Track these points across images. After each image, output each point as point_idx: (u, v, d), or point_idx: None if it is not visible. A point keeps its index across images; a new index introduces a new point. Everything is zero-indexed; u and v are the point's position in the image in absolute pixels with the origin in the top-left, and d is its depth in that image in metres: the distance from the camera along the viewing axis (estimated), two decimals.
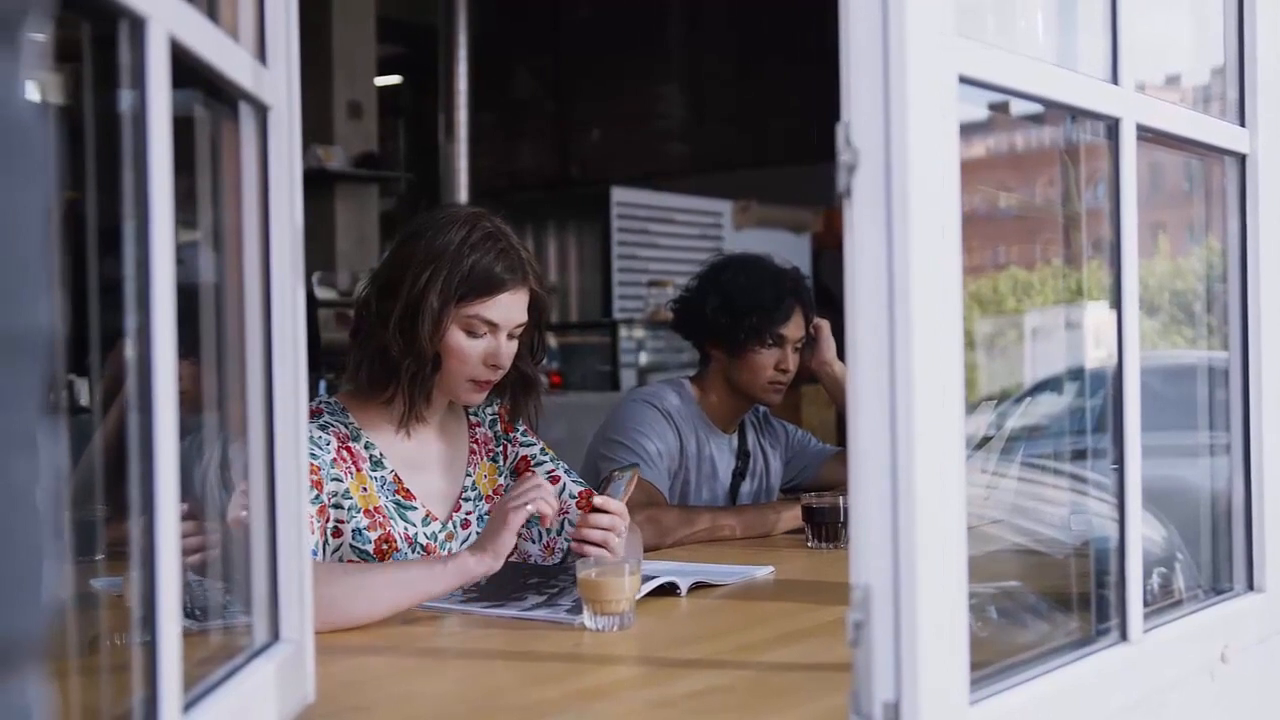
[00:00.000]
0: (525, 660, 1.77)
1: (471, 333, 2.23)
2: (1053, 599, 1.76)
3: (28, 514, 0.57)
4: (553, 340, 7.78)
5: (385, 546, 2.21)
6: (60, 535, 0.61)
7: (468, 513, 2.37)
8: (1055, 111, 1.63)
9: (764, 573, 2.38)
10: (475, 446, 2.42)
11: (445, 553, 2.27)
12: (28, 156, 0.57)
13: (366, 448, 2.26)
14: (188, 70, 1.14)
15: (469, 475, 2.39)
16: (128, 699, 1.09)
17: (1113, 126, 1.54)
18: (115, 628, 1.48)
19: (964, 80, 1.27)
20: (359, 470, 2.23)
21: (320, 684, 1.47)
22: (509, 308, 2.25)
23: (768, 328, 3.02)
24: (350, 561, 2.18)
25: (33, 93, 0.59)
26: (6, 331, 0.56)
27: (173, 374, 1.05)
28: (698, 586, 2.22)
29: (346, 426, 2.25)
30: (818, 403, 6.63)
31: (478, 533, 2.33)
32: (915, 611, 1.17)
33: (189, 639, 1.11)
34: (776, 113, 9.32)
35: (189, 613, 1.30)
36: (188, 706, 1.11)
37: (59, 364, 0.63)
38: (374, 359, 2.24)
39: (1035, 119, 1.77)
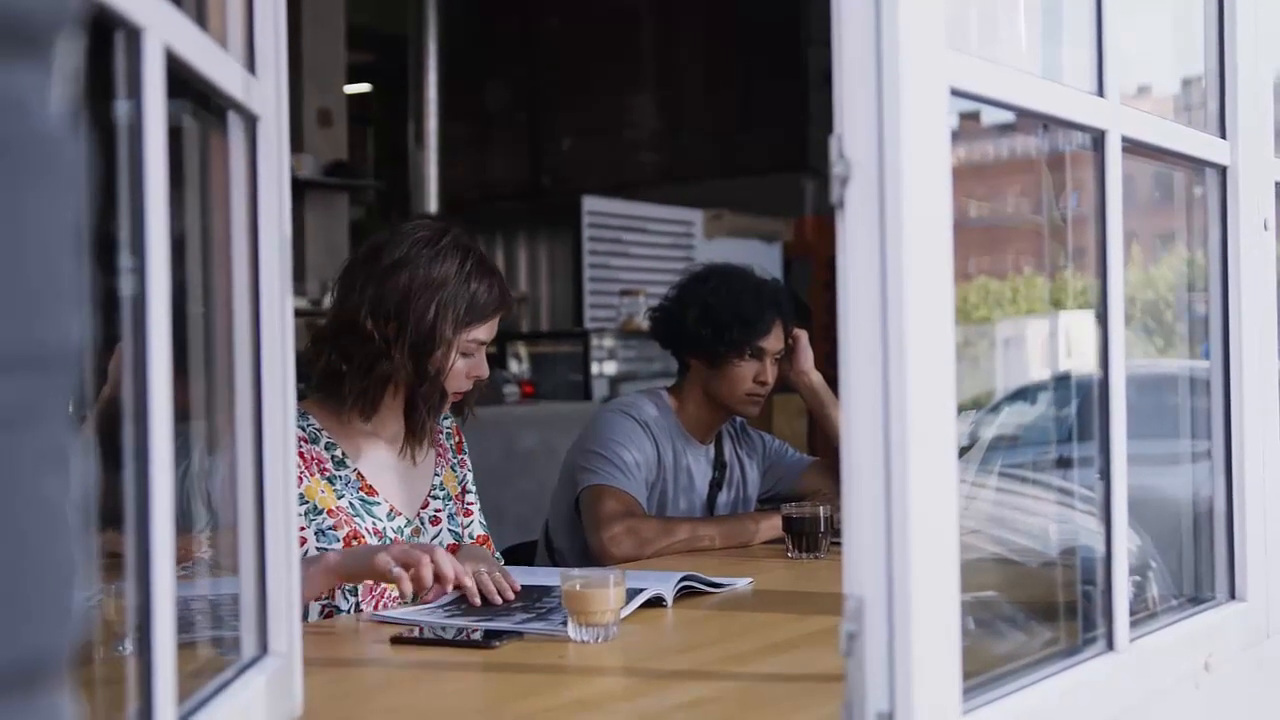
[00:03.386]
0: (511, 672, 1.77)
1: (465, 354, 2.34)
2: (1035, 609, 1.77)
3: (60, 529, 0.57)
4: (524, 350, 7.77)
5: (355, 543, 2.26)
6: (88, 549, 0.61)
7: (436, 510, 2.45)
8: (1027, 121, 1.64)
9: (744, 584, 2.39)
10: (440, 450, 2.50)
11: None
12: (60, 170, 0.56)
13: (328, 449, 2.32)
14: (179, 80, 1.13)
15: (437, 475, 2.47)
16: (118, 713, 1.08)
17: (1098, 138, 1.55)
18: (98, 640, 1.47)
19: (955, 92, 1.27)
20: (313, 474, 2.27)
21: (308, 697, 1.46)
22: (496, 326, 2.38)
23: (748, 340, 3.02)
24: None
25: (64, 106, 0.58)
26: (40, 346, 0.55)
27: (167, 384, 1.04)
28: (684, 593, 2.23)
29: (304, 430, 2.27)
30: (788, 412, 6.64)
31: (449, 529, 2.44)
32: (909, 622, 1.17)
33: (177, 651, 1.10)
34: (748, 123, 9.34)
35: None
36: None
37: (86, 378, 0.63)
38: (379, 384, 2.30)
39: (1005, 128, 1.78)
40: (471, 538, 2.44)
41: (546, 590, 2.20)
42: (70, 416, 0.59)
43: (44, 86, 0.56)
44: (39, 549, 0.56)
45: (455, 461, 2.53)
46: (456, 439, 2.56)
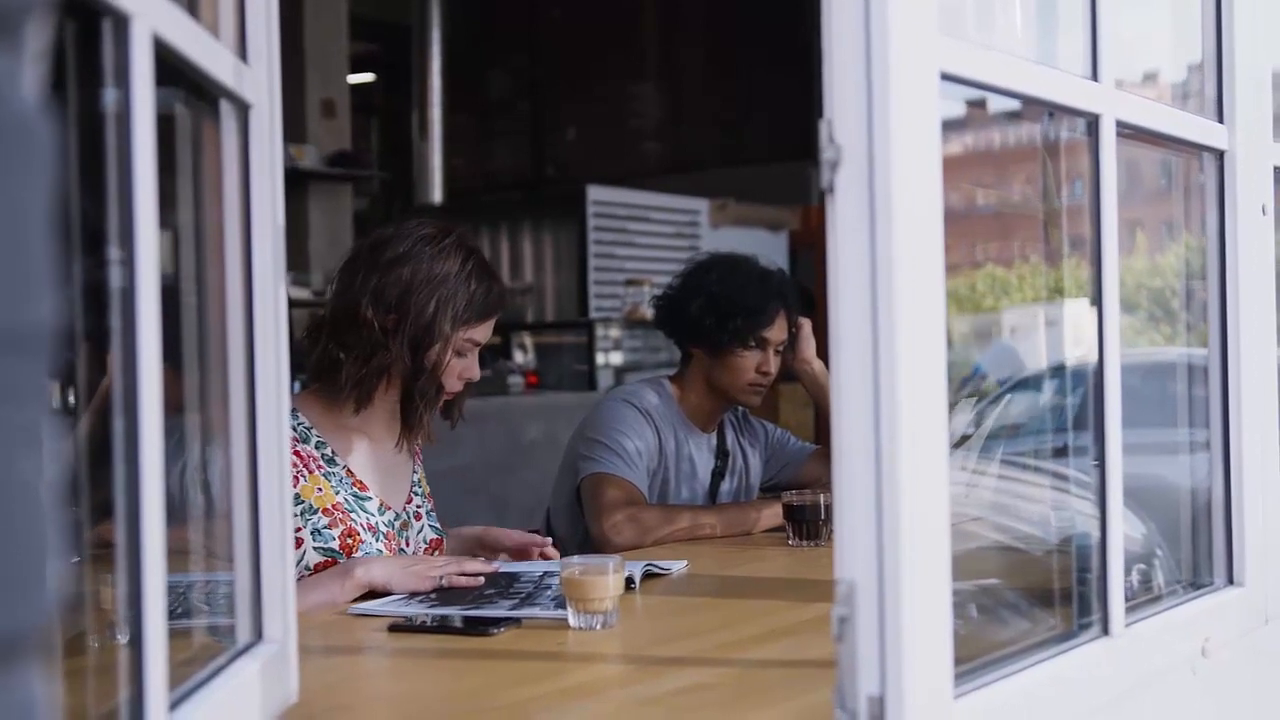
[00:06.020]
0: (509, 659, 1.77)
1: (459, 353, 2.36)
2: (1034, 595, 1.77)
3: (32, 509, 0.57)
4: (529, 340, 7.77)
5: (350, 541, 2.29)
6: (62, 529, 0.61)
7: (418, 506, 2.49)
8: (1033, 108, 1.64)
9: (679, 566, 2.42)
10: (417, 450, 2.54)
11: (403, 540, 2.41)
12: (31, 153, 0.57)
13: (318, 447, 2.34)
14: (169, 68, 1.13)
15: (415, 473, 2.51)
16: (111, 700, 1.08)
17: (1093, 123, 1.55)
18: (93, 629, 1.47)
19: (946, 77, 1.27)
20: (311, 472, 2.29)
21: (303, 684, 1.46)
22: (491, 328, 2.41)
23: (751, 330, 3.02)
24: (316, 565, 2.22)
25: (34, 89, 0.59)
26: (13, 327, 0.56)
27: (157, 375, 1.04)
28: (648, 576, 2.28)
29: (295, 429, 2.28)
30: (795, 401, 6.64)
31: (430, 525, 2.49)
32: (900, 605, 1.18)
33: (170, 639, 1.11)
34: (752, 111, 9.34)
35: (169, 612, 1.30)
36: (173, 706, 1.11)
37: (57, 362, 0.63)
38: (375, 375, 2.32)
39: (1012, 116, 1.78)
40: (425, 542, 2.46)
41: (515, 577, 2.24)
42: (45, 397, 0.60)
43: (14, 71, 0.57)
44: (10, 527, 0.56)
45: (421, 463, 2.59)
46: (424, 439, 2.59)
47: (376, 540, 2.32)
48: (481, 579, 2.19)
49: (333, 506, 2.28)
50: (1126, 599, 1.58)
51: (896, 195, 1.18)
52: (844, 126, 1.19)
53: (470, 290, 2.33)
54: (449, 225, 2.42)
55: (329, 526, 2.26)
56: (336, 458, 2.34)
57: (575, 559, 1.98)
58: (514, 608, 2.01)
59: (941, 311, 1.24)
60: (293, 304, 6.34)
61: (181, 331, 1.36)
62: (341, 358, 2.30)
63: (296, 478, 2.24)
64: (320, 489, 2.29)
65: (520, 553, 2.47)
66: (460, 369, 2.37)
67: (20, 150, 0.56)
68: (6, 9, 0.55)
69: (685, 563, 2.45)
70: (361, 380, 2.30)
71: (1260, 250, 1.90)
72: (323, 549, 2.25)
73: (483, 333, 2.38)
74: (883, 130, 1.18)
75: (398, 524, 2.40)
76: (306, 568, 2.23)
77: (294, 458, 2.26)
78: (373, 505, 2.35)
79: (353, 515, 2.30)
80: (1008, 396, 2.51)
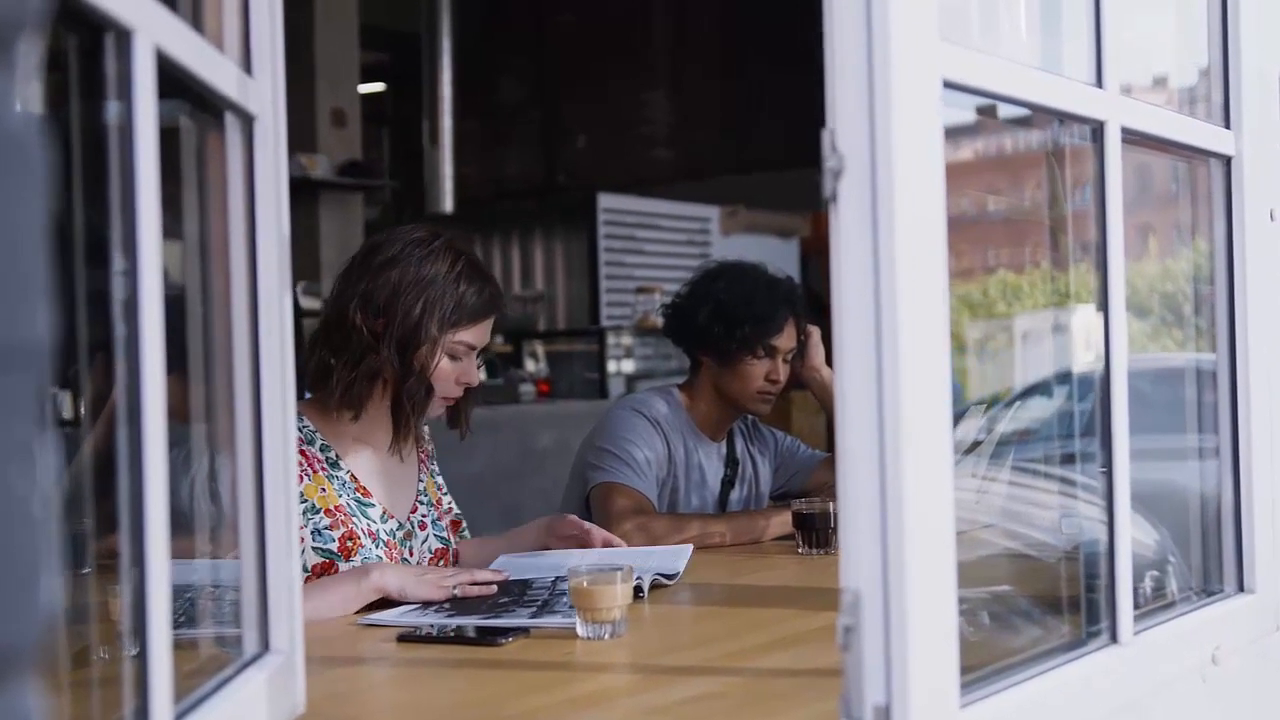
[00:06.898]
0: (517, 669, 1.77)
1: (453, 356, 2.36)
2: (1044, 602, 1.77)
3: (26, 523, 0.57)
4: (540, 348, 7.78)
5: (350, 544, 2.29)
6: (57, 545, 0.62)
7: (423, 515, 2.49)
8: (1042, 115, 1.63)
9: (685, 554, 2.45)
10: (423, 457, 2.54)
11: (406, 550, 2.40)
12: (25, 169, 0.57)
13: (322, 450, 2.35)
14: (173, 80, 1.13)
15: (421, 481, 2.51)
16: (118, 711, 1.09)
17: (1098, 129, 1.55)
18: (102, 640, 1.47)
19: (948, 85, 1.27)
20: (315, 472, 2.31)
21: (310, 695, 1.46)
22: (487, 332, 2.40)
23: (760, 339, 3.02)
24: (315, 565, 2.23)
25: (28, 105, 0.59)
26: (5, 342, 0.56)
27: (161, 386, 1.05)
28: (656, 586, 2.27)
29: (300, 431, 2.29)
30: (807, 409, 6.63)
31: (434, 535, 2.48)
32: (905, 615, 1.17)
33: (178, 650, 1.11)
34: (763, 118, 9.32)
35: (175, 623, 1.30)
36: (179, 717, 1.11)
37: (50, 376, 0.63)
38: (365, 379, 2.32)
39: (1022, 122, 1.78)
40: (430, 552, 2.47)
41: (528, 584, 2.24)
42: (41, 412, 0.60)
43: (8, 87, 0.57)
44: (3, 542, 0.56)
45: (433, 470, 2.58)
46: (430, 448, 2.60)
47: (376, 547, 2.31)
48: (494, 588, 2.19)
49: (335, 508, 2.29)
50: (1138, 605, 1.58)
51: (899, 203, 1.18)
52: (846, 135, 1.20)
53: (459, 292, 2.32)
54: (440, 229, 2.42)
55: (330, 528, 2.27)
56: (341, 461, 2.35)
57: (583, 568, 1.98)
58: (532, 616, 2.01)
59: (944, 320, 1.24)
60: (305, 314, 6.34)
61: (188, 342, 1.37)
62: (332, 363, 2.30)
63: (300, 476, 2.25)
64: (324, 489, 2.30)
65: (582, 541, 2.48)
66: (457, 373, 2.36)
67: (14, 166, 0.56)
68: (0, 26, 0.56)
69: (690, 547, 2.48)
70: (351, 385, 2.30)
71: (1268, 255, 1.89)
72: (322, 550, 2.26)
73: (475, 335, 2.36)
74: (885, 138, 1.18)
75: (400, 533, 2.40)
76: (305, 568, 2.23)
77: (299, 457, 2.26)
78: (375, 512, 2.36)
79: (354, 519, 2.30)
80: (1018, 402, 2.51)
